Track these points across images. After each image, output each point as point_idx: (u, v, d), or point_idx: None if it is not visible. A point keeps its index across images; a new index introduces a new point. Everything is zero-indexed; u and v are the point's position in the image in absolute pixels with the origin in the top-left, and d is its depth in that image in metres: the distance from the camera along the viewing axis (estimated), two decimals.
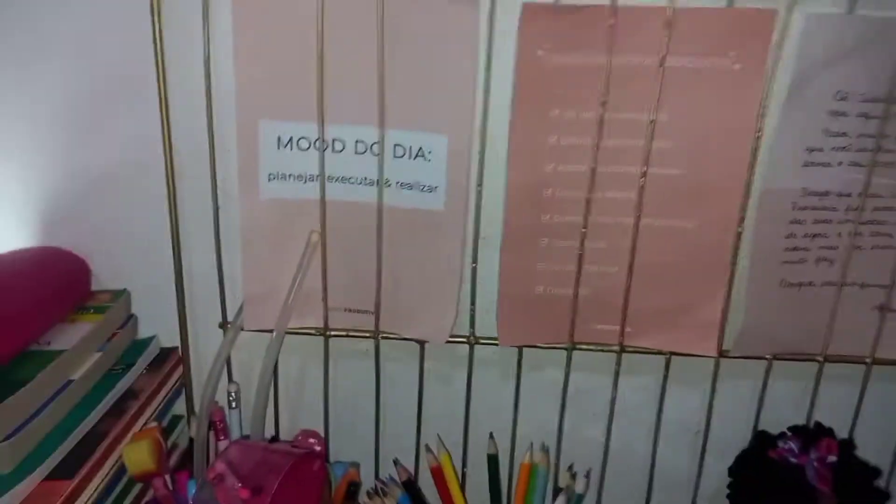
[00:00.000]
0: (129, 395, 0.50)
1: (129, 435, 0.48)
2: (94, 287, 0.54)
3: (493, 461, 0.54)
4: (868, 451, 0.53)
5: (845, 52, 0.43)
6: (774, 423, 0.55)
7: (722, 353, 0.52)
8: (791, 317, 0.51)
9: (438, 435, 0.55)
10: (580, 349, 0.53)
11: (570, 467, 0.57)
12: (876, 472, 0.52)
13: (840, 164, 0.46)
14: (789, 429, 0.54)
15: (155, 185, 0.49)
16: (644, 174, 0.47)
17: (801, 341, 0.52)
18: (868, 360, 0.52)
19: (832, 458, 0.51)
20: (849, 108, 0.44)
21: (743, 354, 0.52)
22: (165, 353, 0.56)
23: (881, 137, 0.45)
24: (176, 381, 0.56)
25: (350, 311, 0.53)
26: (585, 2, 0.43)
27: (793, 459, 0.51)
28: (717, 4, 0.43)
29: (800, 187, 0.47)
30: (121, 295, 0.54)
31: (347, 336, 0.54)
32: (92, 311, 0.51)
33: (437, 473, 0.53)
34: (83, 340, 0.48)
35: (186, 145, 0.49)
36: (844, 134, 0.45)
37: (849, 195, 0.47)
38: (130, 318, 0.54)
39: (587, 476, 0.50)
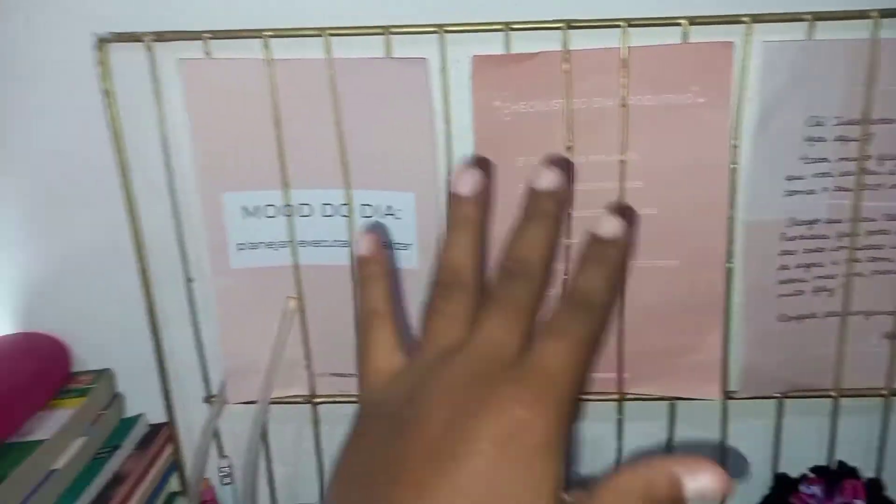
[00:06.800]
0: (117, 480, 0.49)
1: None
2: (77, 368, 0.53)
3: None
4: None
5: (810, 77, 0.41)
6: (794, 462, 0.51)
7: (728, 395, 0.50)
8: (796, 352, 0.48)
9: None
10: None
11: None
12: None
13: (825, 189, 0.44)
14: (811, 470, 0.51)
15: (129, 265, 0.49)
16: None
17: (811, 376, 0.49)
18: (885, 392, 0.49)
19: (859, 502, 0.47)
20: (825, 132, 0.42)
21: (750, 395, 0.49)
22: (155, 430, 0.54)
23: (863, 159, 0.43)
24: (168, 458, 0.54)
25: (336, 375, 0.52)
26: (536, 49, 0.42)
27: None
28: (673, 41, 0.42)
29: (786, 217, 0.45)
30: (103, 374, 0.53)
31: (335, 402, 0.52)
32: (74, 394, 0.51)
33: None
34: (64, 427, 0.47)
35: (154, 224, 0.49)
36: (824, 159, 0.43)
37: (839, 221, 0.45)
38: (116, 397, 0.54)
39: None
